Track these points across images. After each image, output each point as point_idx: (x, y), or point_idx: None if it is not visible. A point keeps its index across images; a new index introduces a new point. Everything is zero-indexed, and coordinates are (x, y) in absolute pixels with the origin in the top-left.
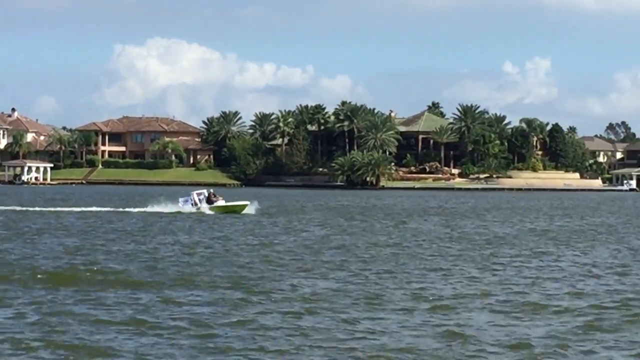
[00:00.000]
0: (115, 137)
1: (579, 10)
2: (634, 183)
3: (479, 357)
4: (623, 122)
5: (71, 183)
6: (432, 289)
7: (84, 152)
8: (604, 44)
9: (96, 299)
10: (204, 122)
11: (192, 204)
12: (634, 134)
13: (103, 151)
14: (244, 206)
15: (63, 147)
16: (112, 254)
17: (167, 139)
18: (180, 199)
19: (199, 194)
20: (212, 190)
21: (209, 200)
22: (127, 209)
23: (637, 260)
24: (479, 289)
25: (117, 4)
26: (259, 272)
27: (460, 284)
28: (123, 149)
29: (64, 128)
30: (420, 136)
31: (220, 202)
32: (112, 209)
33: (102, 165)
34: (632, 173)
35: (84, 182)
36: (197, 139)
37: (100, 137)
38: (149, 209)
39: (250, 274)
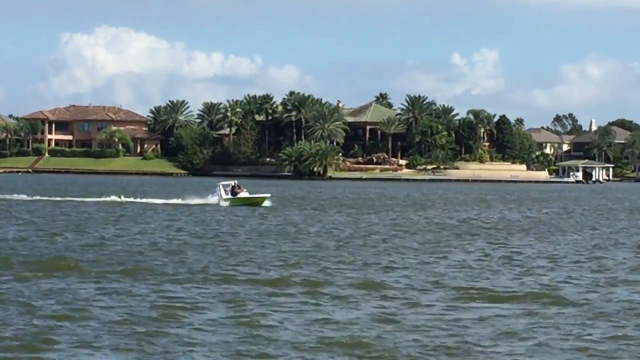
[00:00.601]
0: (62, 126)
1: (526, 2)
2: (580, 175)
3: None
4: (570, 114)
5: (17, 171)
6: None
7: (30, 141)
8: (551, 36)
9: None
10: (151, 111)
11: (218, 196)
12: (580, 126)
13: (50, 140)
14: (264, 198)
15: (9, 136)
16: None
17: (114, 128)
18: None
19: (225, 186)
20: (236, 182)
21: (233, 192)
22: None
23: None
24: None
25: None
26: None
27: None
28: (70, 137)
29: (11, 116)
30: (368, 127)
31: (244, 194)
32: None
33: (48, 154)
34: (579, 165)
35: (30, 170)
36: (144, 128)
37: (47, 125)
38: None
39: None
